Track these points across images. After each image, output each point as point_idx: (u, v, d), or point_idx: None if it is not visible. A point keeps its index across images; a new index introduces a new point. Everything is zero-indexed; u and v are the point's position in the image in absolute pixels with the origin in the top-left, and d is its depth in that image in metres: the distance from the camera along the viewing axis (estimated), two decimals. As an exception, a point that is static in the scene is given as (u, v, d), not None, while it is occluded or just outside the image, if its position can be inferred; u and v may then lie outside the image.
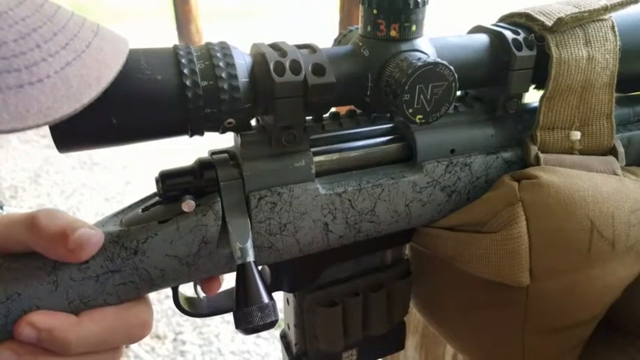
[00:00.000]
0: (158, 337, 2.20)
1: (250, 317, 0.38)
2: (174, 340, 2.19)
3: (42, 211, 0.37)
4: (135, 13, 9.11)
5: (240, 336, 2.18)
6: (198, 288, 0.47)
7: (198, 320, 2.27)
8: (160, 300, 2.36)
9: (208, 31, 6.28)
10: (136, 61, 0.35)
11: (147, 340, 2.16)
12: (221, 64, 0.37)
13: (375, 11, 0.41)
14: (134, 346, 2.11)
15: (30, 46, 0.27)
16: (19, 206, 3.28)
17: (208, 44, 0.38)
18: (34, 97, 0.26)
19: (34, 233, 0.36)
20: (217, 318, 2.24)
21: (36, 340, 0.35)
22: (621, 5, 0.45)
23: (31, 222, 0.36)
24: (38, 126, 0.26)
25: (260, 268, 0.47)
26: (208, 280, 0.46)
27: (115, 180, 3.63)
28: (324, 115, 0.46)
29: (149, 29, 7.69)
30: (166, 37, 6.23)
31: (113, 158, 3.87)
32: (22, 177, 3.70)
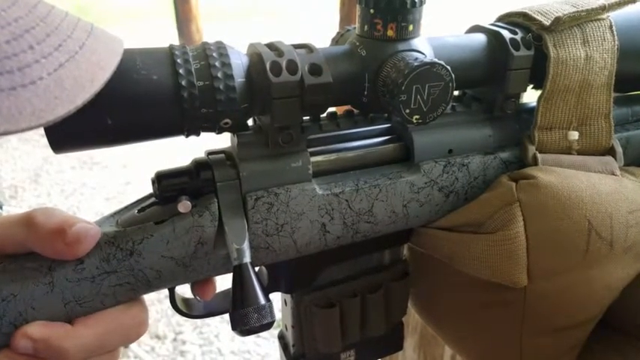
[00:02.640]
0: (158, 337, 2.20)
1: (247, 319, 0.38)
2: (174, 340, 2.19)
3: (38, 209, 0.37)
4: (135, 13, 9.11)
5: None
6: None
7: (198, 320, 2.27)
8: (160, 300, 2.36)
9: (209, 31, 6.28)
10: (131, 61, 0.35)
11: (147, 340, 2.16)
12: (217, 63, 0.37)
13: (372, 11, 0.40)
14: (134, 346, 2.11)
15: (23, 48, 0.27)
16: (19, 206, 3.29)
17: (204, 44, 0.38)
18: (26, 99, 0.26)
19: (31, 231, 0.36)
20: (217, 318, 2.23)
21: (33, 351, 0.35)
22: (619, 5, 0.45)
23: (27, 220, 0.36)
24: (31, 128, 0.26)
25: (257, 268, 0.47)
26: (202, 284, 0.45)
27: (115, 179, 3.63)
28: (322, 115, 0.46)
29: (149, 29, 7.70)
30: (167, 37, 6.23)
31: (113, 158, 3.87)
32: (22, 176, 3.70)
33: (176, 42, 0.39)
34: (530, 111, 0.49)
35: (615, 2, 0.45)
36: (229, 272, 0.41)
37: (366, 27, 0.41)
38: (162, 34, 6.58)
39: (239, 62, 0.38)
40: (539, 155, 0.46)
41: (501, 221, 0.45)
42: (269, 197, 0.42)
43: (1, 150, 4.10)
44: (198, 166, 0.42)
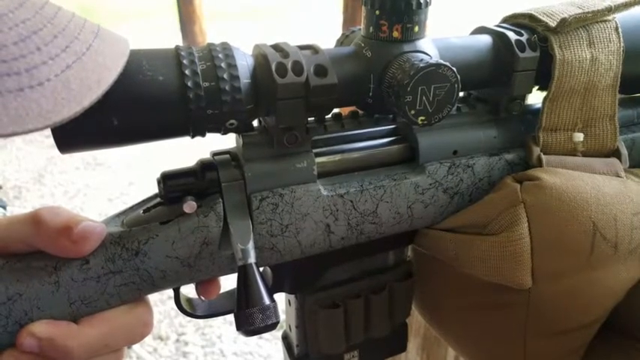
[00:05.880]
0: (160, 338, 2.20)
1: (251, 319, 0.38)
2: (177, 341, 2.20)
3: (44, 208, 0.37)
4: (139, 14, 9.13)
5: (242, 337, 2.18)
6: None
7: (200, 321, 2.27)
8: (163, 301, 2.36)
9: (212, 32, 6.29)
10: (137, 62, 0.35)
11: (149, 341, 2.16)
12: (223, 65, 0.37)
13: (377, 12, 0.41)
14: (136, 347, 2.11)
15: (30, 49, 0.27)
16: (23, 206, 3.29)
17: (210, 45, 0.38)
18: (34, 100, 0.26)
19: (37, 229, 0.36)
20: (220, 319, 2.25)
21: (38, 350, 0.35)
22: (625, 6, 0.45)
23: (33, 219, 0.36)
24: (38, 129, 0.26)
25: (261, 269, 0.47)
26: (207, 284, 0.46)
27: (119, 180, 3.64)
28: (327, 116, 0.46)
29: (153, 30, 7.72)
30: (170, 38, 6.24)
31: (117, 158, 3.88)
32: (25, 177, 3.71)
33: (179, 43, 0.39)
34: (536, 112, 0.49)
35: (621, 4, 0.45)
36: (234, 272, 0.42)
37: (371, 28, 0.41)
38: (165, 35, 6.59)
39: (245, 63, 0.38)
40: (543, 157, 0.46)
41: (506, 222, 0.44)
42: (274, 198, 0.42)
43: (5, 151, 4.12)
44: (204, 166, 0.42)
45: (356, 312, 0.53)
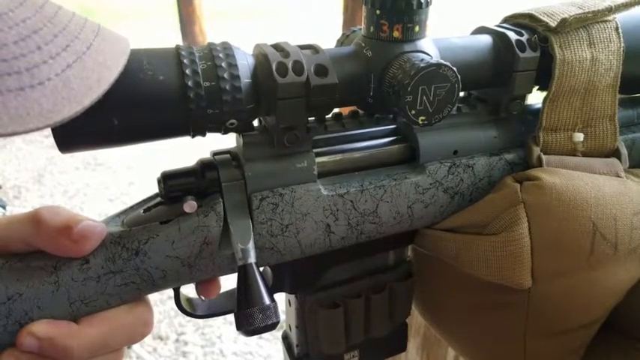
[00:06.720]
0: (160, 337, 2.20)
1: (251, 319, 0.38)
2: (177, 340, 2.20)
3: (44, 207, 0.37)
4: (138, 14, 9.14)
5: (242, 337, 2.18)
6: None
7: (200, 321, 2.27)
8: (163, 301, 2.36)
9: (212, 32, 6.29)
10: (138, 62, 0.35)
11: (149, 340, 2.16)
12: (223, 64, 0.37)
13: (378, 12, 0.41)
14: (136, 347, 2.11)
15: (30, 48, 0.27)
16: (23, 206, 3.29)
17: (211, 45, 0.38)
18: (34, 99, 0.26)
19: (37, 229, 0.36)
20: (220, 319, 2.25)
21: (38, 350, 0.35)
22: (625, 6, 0.45)
23: (33, 218, 0.36)
24: (39, 129, 0.26)
25: (262, 269, 0.47)
26: (207, 283, 0.46)
27: (119, 180, 3.64)
28: (327, 116, 0.46)
29: (153, 30, 7.72)
30: (170, 38, 6.25)
31: (117, 159, 3.88)
32: (25, 177, 3.71)
33: (179, 43, 0.39)
34: (536, 112, 0.49)
35: (622, 4, 0.45)
36: (234, 272, 0.41)
37: (372, 28, 0.41)
38: (166, 35, 6.60)
39: (245, 63, 0.38)
40: (543, 157, 0.46)
41: (506, 222, 0.44)
42: (274, 197, 0.42)
43: (5, 150, 4.12)
44: (204, 166, 0.42)
45: (356, 312, 0.53)
